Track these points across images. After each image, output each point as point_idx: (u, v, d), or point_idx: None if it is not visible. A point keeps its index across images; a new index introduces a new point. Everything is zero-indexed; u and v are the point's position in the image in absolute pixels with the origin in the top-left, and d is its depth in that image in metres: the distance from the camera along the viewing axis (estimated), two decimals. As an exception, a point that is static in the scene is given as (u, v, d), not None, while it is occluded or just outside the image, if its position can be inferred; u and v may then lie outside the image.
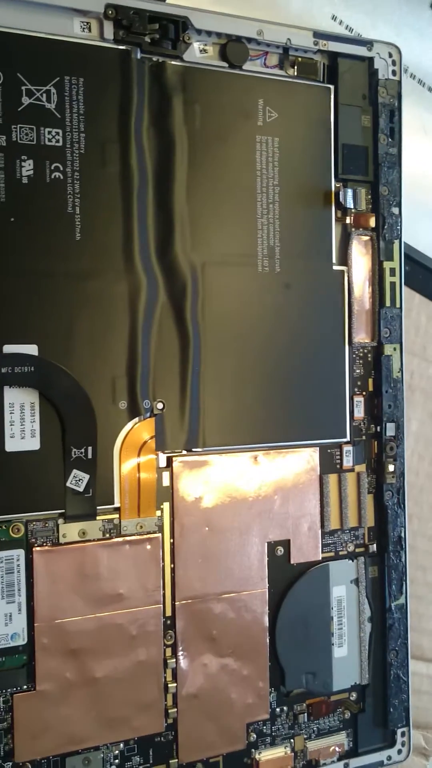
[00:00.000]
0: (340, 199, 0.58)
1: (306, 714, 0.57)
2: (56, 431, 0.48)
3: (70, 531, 0.49)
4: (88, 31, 0.50)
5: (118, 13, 0.50)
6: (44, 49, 0.48)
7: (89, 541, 0.50)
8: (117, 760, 0.51)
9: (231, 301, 0.54)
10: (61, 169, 0.49)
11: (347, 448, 0.58)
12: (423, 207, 0.70)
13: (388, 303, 0.59)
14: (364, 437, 0.59)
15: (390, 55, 0.59)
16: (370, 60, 0.59)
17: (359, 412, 0.59)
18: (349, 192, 0.58)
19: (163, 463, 0.52)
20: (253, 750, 0.55)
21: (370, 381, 0.59)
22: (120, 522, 0.51)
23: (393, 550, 0.59)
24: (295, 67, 0.56)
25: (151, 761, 0.52)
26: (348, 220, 0.58)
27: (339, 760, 0.58)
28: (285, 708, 0.57)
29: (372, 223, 0.59)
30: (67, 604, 0.49)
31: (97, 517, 0.50)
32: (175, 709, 0.52)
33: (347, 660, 0.58)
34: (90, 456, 0.49)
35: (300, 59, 0.56)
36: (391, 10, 0.68)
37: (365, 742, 0.59)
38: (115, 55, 0.50)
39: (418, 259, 0.70)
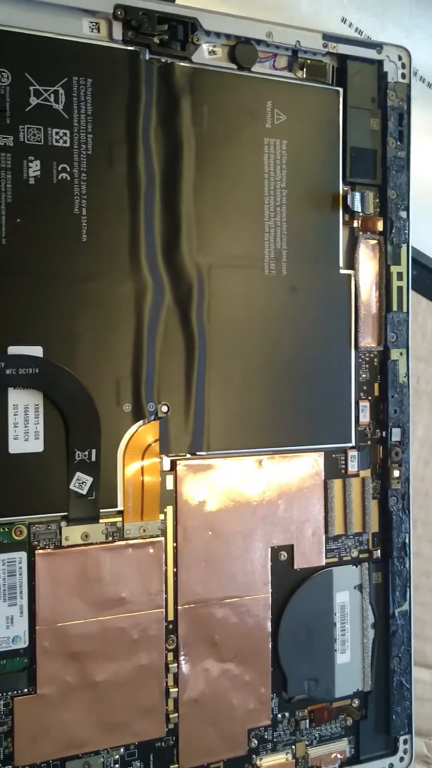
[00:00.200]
0: (348, 203, 0.57)
1: (308, 720, 0.57)
2: (60, 433, 0.48)
3: (73, 534, 0.49)
4: (97, 31, 0.50)
5: (127, 13, 0.50)
6: (52, 50, 0.48)
7: (92, 544, 0.49)
8: (117, 765, 0.51)
9: (237, 304, 0.53)
10: (68, 170, 0.48)
11: (352, 453, 0.58)
12: (431, 211, 0.69)
13: (394, 307, 0.59)
14: (369, 442, 0.59)
15: (399, 58, 0.59)
16: (380, 63, 0.59)
17: (365, 417, 0.58)
18: (357, 195, 0.58)
19: (167, 466, 0.52)
20: (254, 756, 0.55)
21: (376, 386, 0.59)
22: (123, 525, 0.50)
23: (397, 556, 0.59)
24: (304, 70, 0.56)
25: (151, 766, 0.52)
26: (355, 224, 0.58)
27: (341, 767, 0.58)
28: (287, 714, 0.56)
29: (379, 226, 0.58)
30: (69, 608, 0.49)
31: (100, 520, 0.50)
32: (176, 714, 0.52)
33: (350, 666, 0.58)
34: (94, 459, 0.49)
35: (309, 61, 0.56)
36: (401, 12, 0.67)
37: (367, 750, 0.59)
38: (124, 56, 0.50)
39: (426, 264, 0.69)
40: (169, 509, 0.52)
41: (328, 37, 0.56)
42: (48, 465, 0.48)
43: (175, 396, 0.52)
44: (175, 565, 0.52)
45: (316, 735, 0.57)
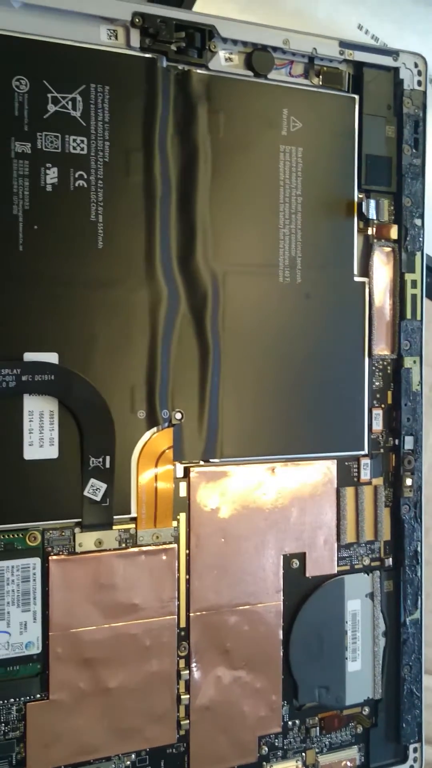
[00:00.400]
0: (363, 210, 0.57)
1: (318, 728, 0.57)
2: (74, 440, 0.48)
3: (87, 540, 0.49)
4: (115, 39, 0.50)
5: (145, 21, 0.50)
6: (70, 57, 0.48)
7: (105, 550, 0.49)
8: (128, 771, 0.51)
9: (251, 311, 0.54)
10: (85, 177, 0.48)
11: (365, 461, 0.58)
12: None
13: (408, 315, 0.59)
14: (381, 450, 0.59)
15: (416, 65, 0.59)
16: (396, 70, 0.58)
17: (377, 425, 0.58)
18: (372, 203, 0.58)
19: (180, 473, 0.52)
20: (264, 763, 0.55)
21: (389, 394, 0.59)
22: (136, 532, 0.50)
23: (409, 565, 0.59)
24: (320, 77, 0.56)
25: (162, 772, 0.52)
26: (370, 231, 0.58)
27: (350, 774, 0.58)
28: (297, 721, 0.56)
29: (394, 234, 0.58)
30: (82, 614, 0.49)
31: (114, 527, 0.50)
32: (188, 721, 0.52)
33: (360, 674, 0.58)
34: (108, 465, 0.49)
35: (325, 69, 0.56)
36: (418, 20, 0.67)
37: (377, 758, 0.59)
38: (141, 64, 0.50)
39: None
40: (182, 516, 0.52)
41: (344, 45, 0.56)
42: (62, 471, 0.48)
43: (188, 403, 0.52)
44: (188, 572, 0.52)
45: (327, 743, 0.57)
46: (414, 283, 0.59)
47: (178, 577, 0.52)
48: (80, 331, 0.48)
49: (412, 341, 0.59)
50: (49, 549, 0.48)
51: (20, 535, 0.47)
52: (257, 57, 0.54)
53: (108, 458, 0.49)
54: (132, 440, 0.50)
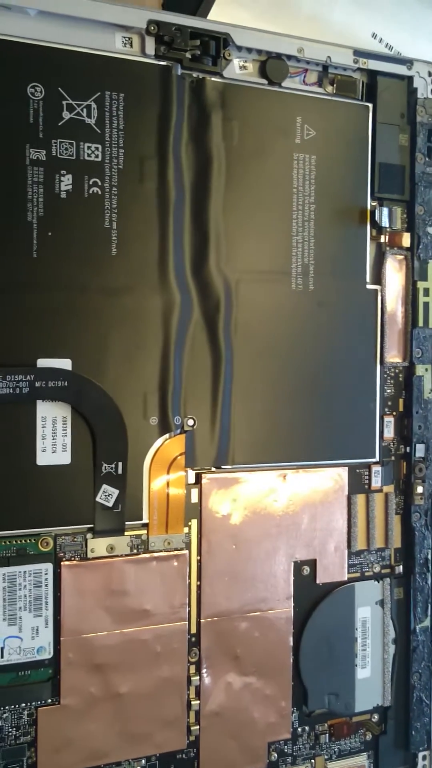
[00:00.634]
0: (376, 218, 0.57)
1: (327, 734, 0.57)
2: (87, 446, 0.49)
3: (99, 546, 0.49)
4: (130, 46, 0.50)
5: (160, 28, 0.50)
6: (85, 64, 0.48)
7: (117, 556, 0.50)
8: (138, 776, 0.51)
9: (264, 318, 0.54)
10: (99, 184, 0.49)
11: (376, 468, 0.58)
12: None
13: (420, 323, 0.59)
14: (393, 458, 0.59)
15: (429, 74, 0.59)
16: (410, 79, 0.59)
17: (389, 433, 0.58)
18: (385, 211, 0.58)
19: (192, 479, 0.52)
20: (273, 769, 0.55)
21: (401, 401, 0.59)
22: (148, 538, 0.51)
23: (419, 572, 0.59)
24: (334, 85, 0.56)
25: (172, 778, 0.52)
26: (383, 239, 0.58)
27: (359, 782, 0.58)
28: (307, 728, 0.56)
29: (407, 242, 0.58)
30: (93, 619, 0.49)
31: (126, 533, 0.50)
32: (198, 727, 0.52)
33: (370, 681, 0.58)
34: (120, 471, 0.49)
35: (339, 77, 0.56)
36: (432, 29, 0.67)
37: (386, 765, 0.59)
38: (156, 71, 0.50)
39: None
40: (194, 522, 0.52)
41: (358, 53, 0.56)
42: (75, 477, 0.48)
43: (201, 410, 0.52)
44: (199, 578, 0.52)
45: (336, 749, 0.57)
46: (426, 291, 0.59)
47: (189, 583, 0.52)
48: (93, 337, 0.49)
49: (424, 349, 0.59)
50: (61, 554, 0.48)
51: (32, 541, 0.47)
52: (271, 65, 0.54)
53: (120, 464, 0.49)
54: (144, 446, 0.50)
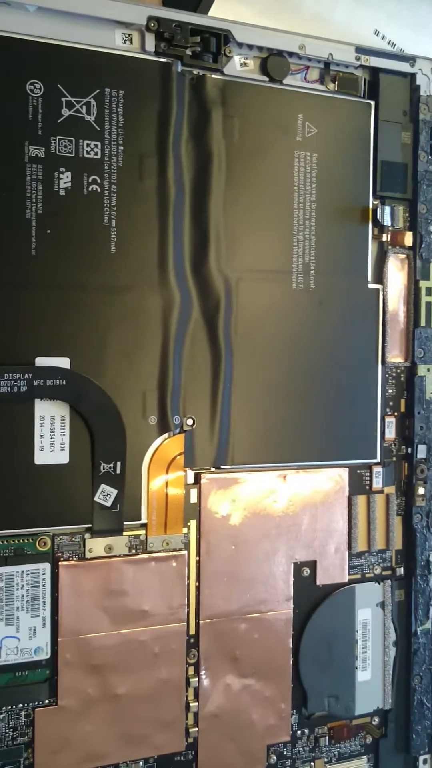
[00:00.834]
0: (378, 217, 0.57)
1: (327, 737, 0.57)
2: (86, 445, 0.48)
3: (97, 546, 0.49)
4: (130, 43, 0.50)
5: (160, 25, 0.50)
6: (85, 61, 0.48)
7: (115, 556, 0.49)
8: (136, 778, 0.51)
9: (264, 317, 0.53)
10: (99, 181, 0.48)
11: (377, 469, 0.57)
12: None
13: (423, 323, 0.58)
14: (394, 458, 0.58)
15: (432, 71, 0.59)
16: (412, 76, 0.58)
17: (390, 433, 0.58)
18: (387, 209, 0.57)
19: (191, 479, 0.52)
20: (272, 772, 0.55)
21: (402, 401, 0.59)
22: (146, 538, 0.50)
23: (420, 574, 0.58)
24: (336, 82, 0.56)
25: (170, 780, 0.52)
26: (385, 238, 0.57)
27: (359, 785, 0.58)
28: (306, 731, 0.56)
29: (409, 241, 0.58)
30: (91, 620, 0.49)
31: (124, 533, 0.50)
32: (196, 729, 0.52)
33: (370, 684, 0.57)
34: (119, 471, 0.49)
35: (341, 74, 0.56)
36: (435, 25, 0.67)
37: (386, 768, 0.58)
38: (156, 68, 0.50)
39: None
40: (193, 523, 0.52)
41: (360, 50, 0.56)
42: (73, 477, 0.48)
43: (200, 409, 0.51)
44: (198, 579, 0.52)
45: (336, 752, 0.57)
46: (428, 291, 0.59)
47: (188, 584, 0.51)
48: (92, 335, 0.48)
49: (426, 349, 0.58)
50: (59, 554, 0.48)
51: (30, 540, 0.47)
52: (273, 62, 0.53)
53: (119, 464, 0.49)
54: (143, 446, 0.50)
